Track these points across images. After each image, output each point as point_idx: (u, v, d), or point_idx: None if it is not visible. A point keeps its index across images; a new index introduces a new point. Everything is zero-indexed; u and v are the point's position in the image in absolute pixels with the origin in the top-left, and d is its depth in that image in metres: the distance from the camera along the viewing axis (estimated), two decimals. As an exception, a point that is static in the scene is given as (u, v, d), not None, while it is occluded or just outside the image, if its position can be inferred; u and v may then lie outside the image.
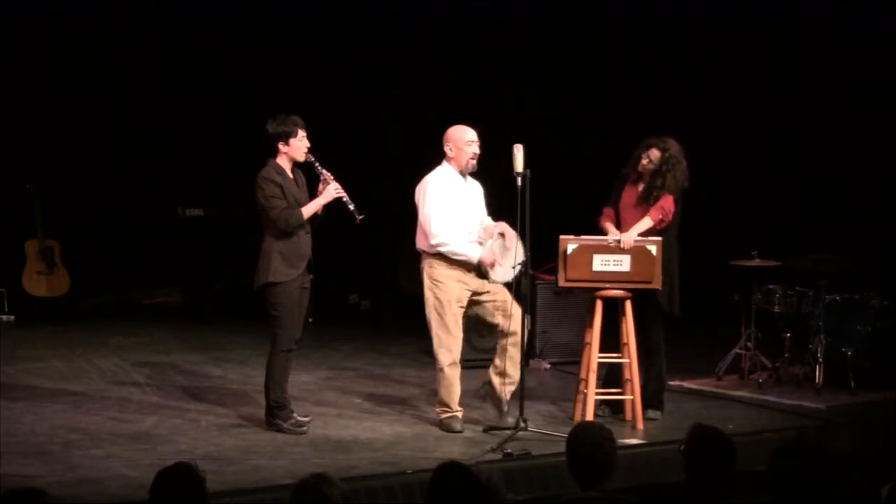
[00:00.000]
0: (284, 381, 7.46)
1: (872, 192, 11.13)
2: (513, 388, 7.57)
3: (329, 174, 7.40)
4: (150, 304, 12.96)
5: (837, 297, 9.14)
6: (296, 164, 7.46)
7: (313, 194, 7.44)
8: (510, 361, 7.54)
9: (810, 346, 8.95)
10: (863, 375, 8.85)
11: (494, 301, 7.54)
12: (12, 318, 11.75)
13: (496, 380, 7.58)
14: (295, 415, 7.43)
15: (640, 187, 7.88)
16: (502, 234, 7.52)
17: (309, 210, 7.34)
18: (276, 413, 7.39)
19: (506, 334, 7.53)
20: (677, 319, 7.95)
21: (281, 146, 7.39)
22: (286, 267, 7.34)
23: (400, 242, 13.10)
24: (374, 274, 13.10)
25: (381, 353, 10.29)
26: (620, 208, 7.91)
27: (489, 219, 7.69)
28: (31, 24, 11.95)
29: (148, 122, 12.57)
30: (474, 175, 7.69)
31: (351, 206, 7.41)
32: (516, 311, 7.46)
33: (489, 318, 7.59)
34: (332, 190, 7.35)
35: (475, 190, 7.71)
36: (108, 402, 8.23)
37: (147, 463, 6.42)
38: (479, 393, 7.68)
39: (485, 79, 12.51)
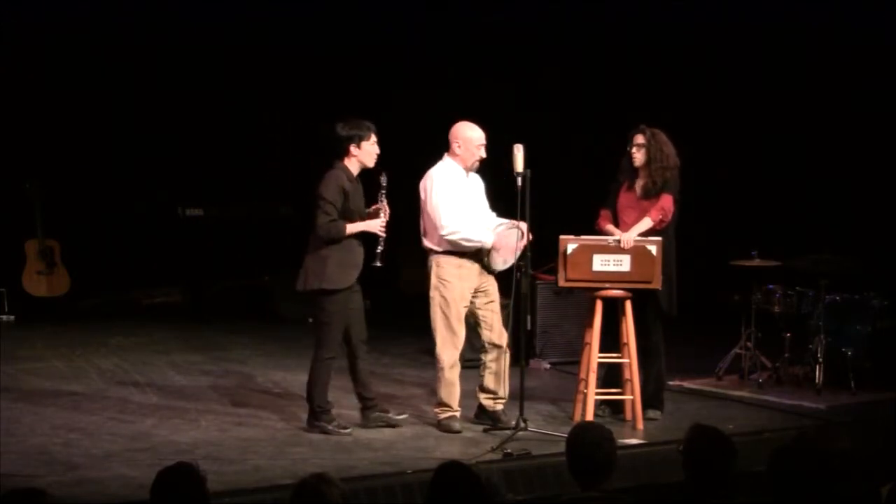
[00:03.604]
0: (327, 387, 7.47)
1: (872, 192, 11.12)
2: (503, 403, 7.63)
3: (387, 209, 7.37)
4: (150, 304, 12.95)
5: (837, 297, 9.13)
6: (377, 172, 7.42)
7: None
8: (495, 378, 7.61)
9: (810, 346, 8.95)
10: (863, 375, 8.84)
11: (482, 310, 7.57)
12: (12, 318, 11.75)
13: (486, 401, 7.64)
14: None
15: (638, 188, 7.89)
16: (512, 225, 7.52)
17: (352, 229, 7.30)
18: (320, 417, 7.39)
19: (487, 350, 7.60)
20: (674, 319, 7.96)
21: (352, 148, 7.32)
22: (340, 274, 7.33)
23: (400, 242, 13.13)
24: (374, 274, 13.09)
25: (381, 353, 10.27)
26: (618, 209, 7.92)
27: (501, 220, 7.67)
28: (31, 24, 11.95)
29: (148, 122, 12.58)
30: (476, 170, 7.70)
31: (379, 249, 7.39)
32: (500, 325, 7.56)
33: (476, 329, 7.64)
34: (378, 225, 7.34)
35: (478, 185, 7.71)
36: (108, 402, 8.24)
37: (147, 463, 6.43)
38: (475, 418, 7.69)
39: (485, 79, 12.50)
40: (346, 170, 7.34)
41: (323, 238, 7.29)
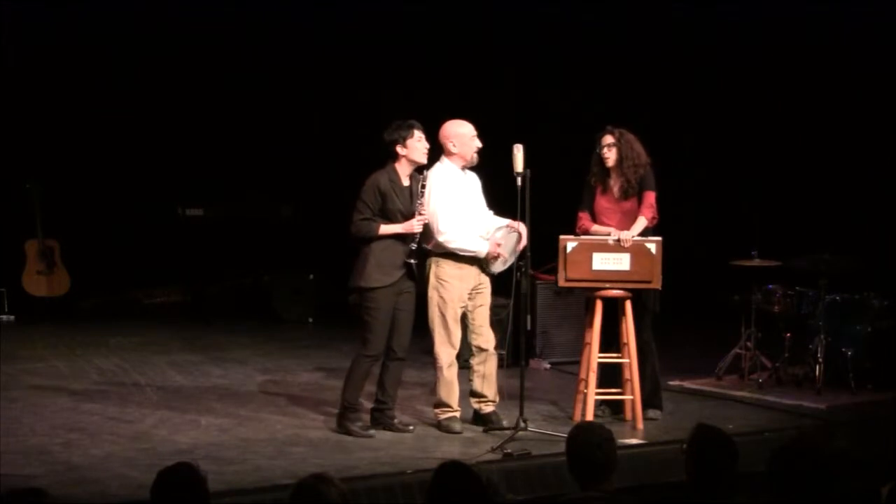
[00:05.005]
0: (362, 386, 7.47)
1: (872, 191, 11.12)
2: (493, 405, 7.64)
3: (423, 206, 7.39)
4: (150, 304, 12.97)
5: (837, 297, 9.12)
6: (416, 170, 7.43)
7: None
8: (483, 381, 7.60)
9: (810, 346, 8.94)
10: (863, 375, 8.84)
11: (472, 312, 7.57)
12: (12, 318, 11.77)
13: (476, 404, 7.65)
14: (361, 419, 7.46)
15: (615, 189, 7.87)
16: (510, 227, 7.56)
17: (386, 230, 7.34)
18: (346, 415, 7.40)
19: (475, 353, 7.61)
20: (659, 316, 7.95)
21: (399, 149, 7.38)
22: (379, 273, 7.35)
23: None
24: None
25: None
26: (597, 212, 7.90)
27: (499, 218, 7.69)
28: (31, 24, 11.95)
29: (148, 122, 12.58)
30: (472, 167, 7.70)
31: (414, 246, 7.41)
32: (488, 329, 7.58)
33: (466, 331, 7.64)
34: (415, 224, 7.35)
35: (475, 182, 7.71)
36: (108, 402, 8.24)
37: (147, 463, 6.43)
38: (472, 422, 7.70)
39: (485, 79, 12.50)
40: (392, 171, 7.40)
41: (354, 236, 7.37)
